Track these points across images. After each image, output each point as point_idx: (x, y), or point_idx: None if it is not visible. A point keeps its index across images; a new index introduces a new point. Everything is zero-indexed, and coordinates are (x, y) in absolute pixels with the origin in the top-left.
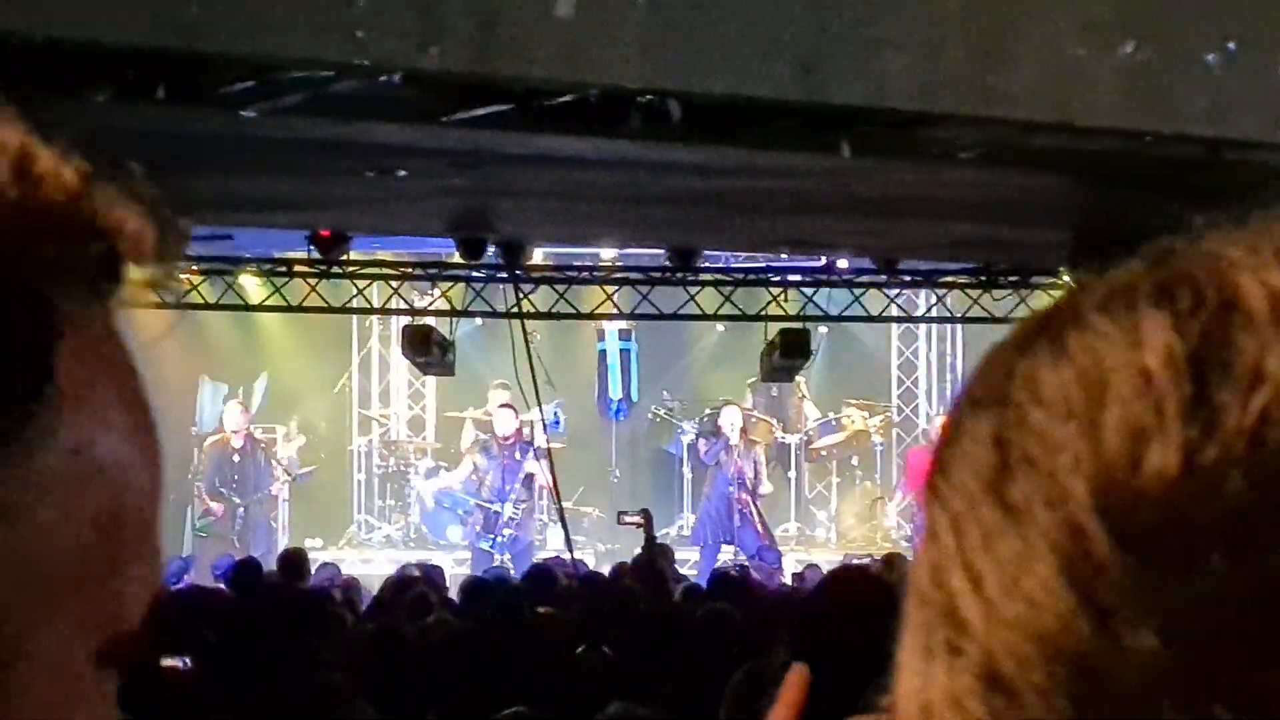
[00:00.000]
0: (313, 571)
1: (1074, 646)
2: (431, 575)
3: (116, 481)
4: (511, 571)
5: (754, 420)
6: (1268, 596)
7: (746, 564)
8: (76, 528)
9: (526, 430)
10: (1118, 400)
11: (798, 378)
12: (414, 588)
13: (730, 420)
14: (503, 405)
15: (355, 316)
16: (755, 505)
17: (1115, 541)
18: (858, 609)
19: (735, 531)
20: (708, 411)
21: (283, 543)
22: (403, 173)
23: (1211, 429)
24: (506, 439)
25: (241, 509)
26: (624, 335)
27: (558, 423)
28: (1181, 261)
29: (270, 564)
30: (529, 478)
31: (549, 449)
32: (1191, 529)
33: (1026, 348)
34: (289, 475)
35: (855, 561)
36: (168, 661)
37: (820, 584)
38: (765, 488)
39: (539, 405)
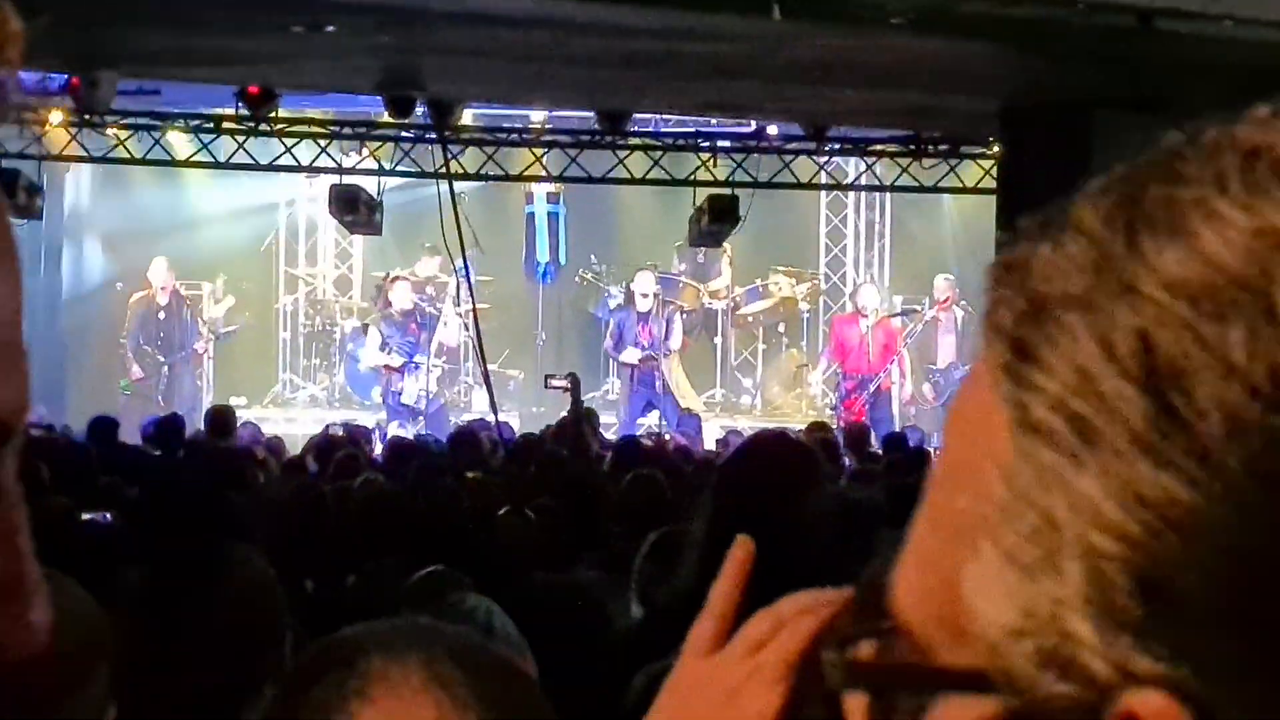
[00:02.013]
0: None
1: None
2: (357, 437)
3: None
4: (435, 433)
5: (680, 285)
6: None
7: (659, 430)
8: None
9: (452, 292)
10: None
11: (724, 243)
12: (341, 448)
13: (643, 286)
14: (431, 267)
15: (283, 175)
16: (669, 371)
17: None
18: (778, 474)
19: (657, 397)
20: (634, 276)
21: (207, 401)
22: (330, 28)
23: None
24: (431, 300)
25: (166, 367)
26: (552, 198)
27: (480, 283)
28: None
29: (195, 422)
30: (450, 342)
31: (475, 311)
32: None
33: (1130, 240)
34: (213, 333)
35: (777, 429)
36: (88, 516)
37: (740, 449)
38: (675, 343)
39: (465, 266)
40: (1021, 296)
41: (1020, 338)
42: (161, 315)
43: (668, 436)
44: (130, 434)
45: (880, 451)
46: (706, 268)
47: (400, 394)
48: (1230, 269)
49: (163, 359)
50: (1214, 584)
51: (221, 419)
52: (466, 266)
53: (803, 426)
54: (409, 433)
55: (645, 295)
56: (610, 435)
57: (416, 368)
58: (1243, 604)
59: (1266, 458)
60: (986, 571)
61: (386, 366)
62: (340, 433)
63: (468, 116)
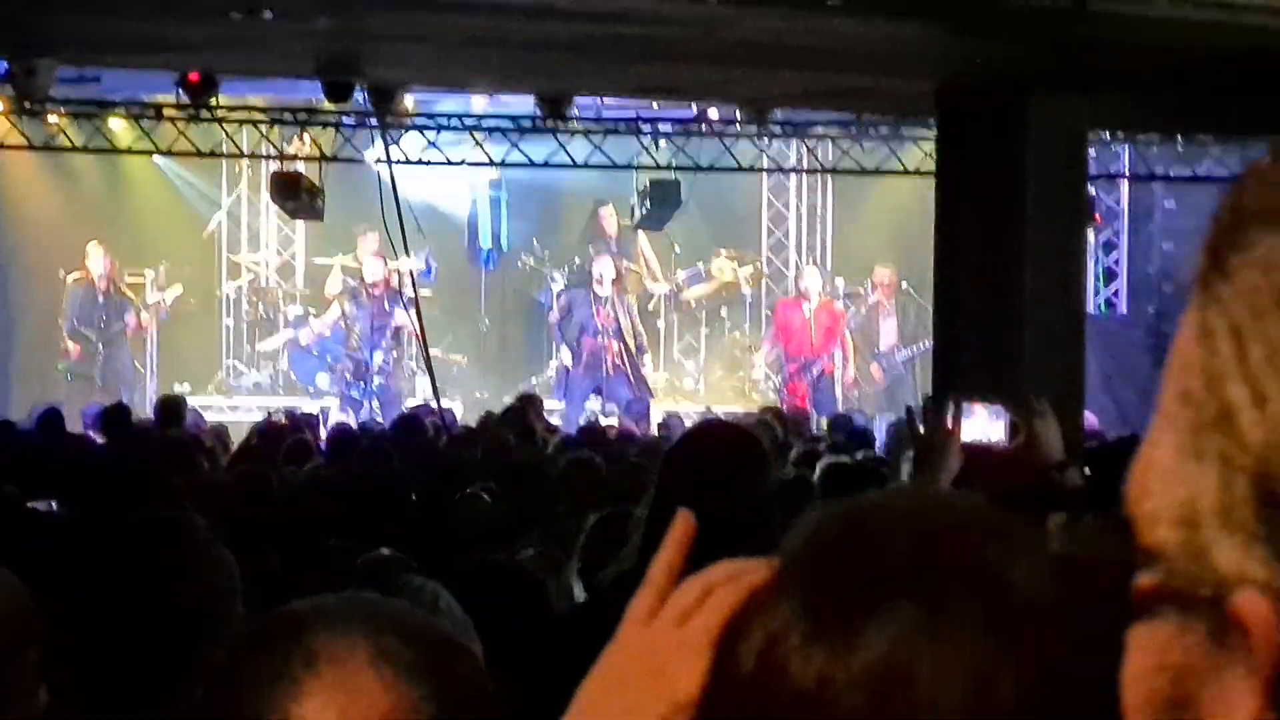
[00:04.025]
0: None
1: None
2: (302, 422)
3: None
4: (380, 419)
5: (626, 269)
6: None
7: (602, 415)
8: None
9: (395, 279)
10: None
11: (666, 227)
12: (285, 435)
13: (600, 270)
14: (373, 254)
15: (224, 161)
16: (627, 355)
17: None
18: (722, 461)
19: (606, 382)
20: (577, 260)
21: (150, 387)
22: (269, 13)
23: None
24: (374, 286)
25: (101, 344)
26: (494, 184)
27: (429, 271)
28: None
29: (137, 409)
30: (398, 327)
31: (416, 297)
32: None
33: None
34: (151, 316)
35: (721, 414)
36: (34, 504)
37: (686, 434)
38: (637, 326)
39: (407, 252)
40: (1228, 208)
41: (1217, 249)
42: (100, 299)
43: (615, 421)
44: (73, 419)
45: (818, 435)
46: (650, 253)
47: (350, 382)
48: None
49: (96, 339)
50: None
51: (171, 407)
52: (409, 253)
53: (745, 410)
54: (355, 419)
55: (603, 279)
56: (555, 420)
57: (367, 359)
58: None
59: None
60: (1164, 459)
61: (339, 351)
62: (283, 419)
63: (408, 102)
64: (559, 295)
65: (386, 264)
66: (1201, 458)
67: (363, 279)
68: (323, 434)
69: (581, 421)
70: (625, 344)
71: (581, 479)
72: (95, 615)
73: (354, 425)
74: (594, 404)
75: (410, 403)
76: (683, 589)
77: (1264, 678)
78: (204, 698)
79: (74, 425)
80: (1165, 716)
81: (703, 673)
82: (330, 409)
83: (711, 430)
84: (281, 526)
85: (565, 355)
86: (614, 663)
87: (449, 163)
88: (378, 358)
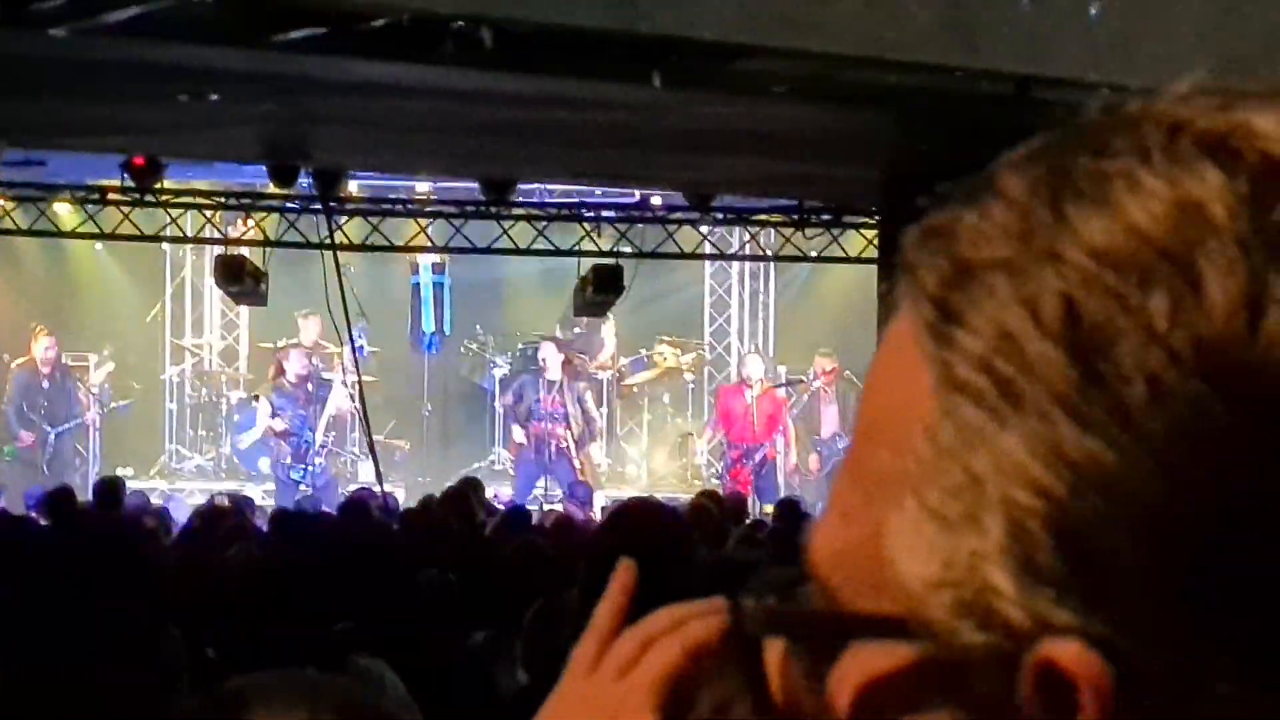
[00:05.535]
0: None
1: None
2: (242, 506)
3: None
4: (320, 502)
5: (568, 356)
6: None
7: (547, 501)
8: None
9: (328, 363)
10: (1214, 264)
11: (609, 314)
12: (226, 518)
13: (547, 355)
14: (292, 345)
15: (169, 245)
16: (573, 441)
17: (1228, 406)
18: (648, 541)
19: (549, 466)
20: (520, 346)
21: (93, 471)
22: (215, 97)
23: None
24: (300, 377)
25: (51, 436)
26: (437, 269)
27: (361, 349)
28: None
29: (80, 492)
30: (339, 412)
31: (360, 382)
32: None
33: (1055, 207)
34: (101, 406)
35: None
36: None
37: (609, 517)
38: (595, 416)
39: (350, 338)
40: (946, 260)
41: (944, 299)
42: (45, 384)
43: (558, 507)
44: (13, 502)
45: (760, 519)
46: (590, 338)
47: (289, 465)
48: (1154, 238)
49: (49, 428)
50: (1134, 542)
51: (110, 489)
52: (352, 338)
53: (689, 496)
54: (292, 502)
55: (551, 365)
56: (500, 506)
57: (307, 441)
58: (1162, 562)
59: (1187, 422)
60: (908, 525)
61: (276, 432)
62: (225, 502)
63: (352, 186)
64: (507, 381)
65: (309, 356)
66: (979, 513)
67: (310, 361)
68: (260, 517)
69: (532, 506)
70: (571, 430)
71: (527, 563)
72: (45, 693)
73: (293, 507)
74: (538, 489)
75: (353, 487)
76: (623, 639)
77: None
78: None
79: (13, 507)
80: None
81: None
82: (274, 494)
83: (634, 512)
84: (226, 607)
85: (519, 435)
86: (555, 714)
87: (392, 247)
88: (319, 438)
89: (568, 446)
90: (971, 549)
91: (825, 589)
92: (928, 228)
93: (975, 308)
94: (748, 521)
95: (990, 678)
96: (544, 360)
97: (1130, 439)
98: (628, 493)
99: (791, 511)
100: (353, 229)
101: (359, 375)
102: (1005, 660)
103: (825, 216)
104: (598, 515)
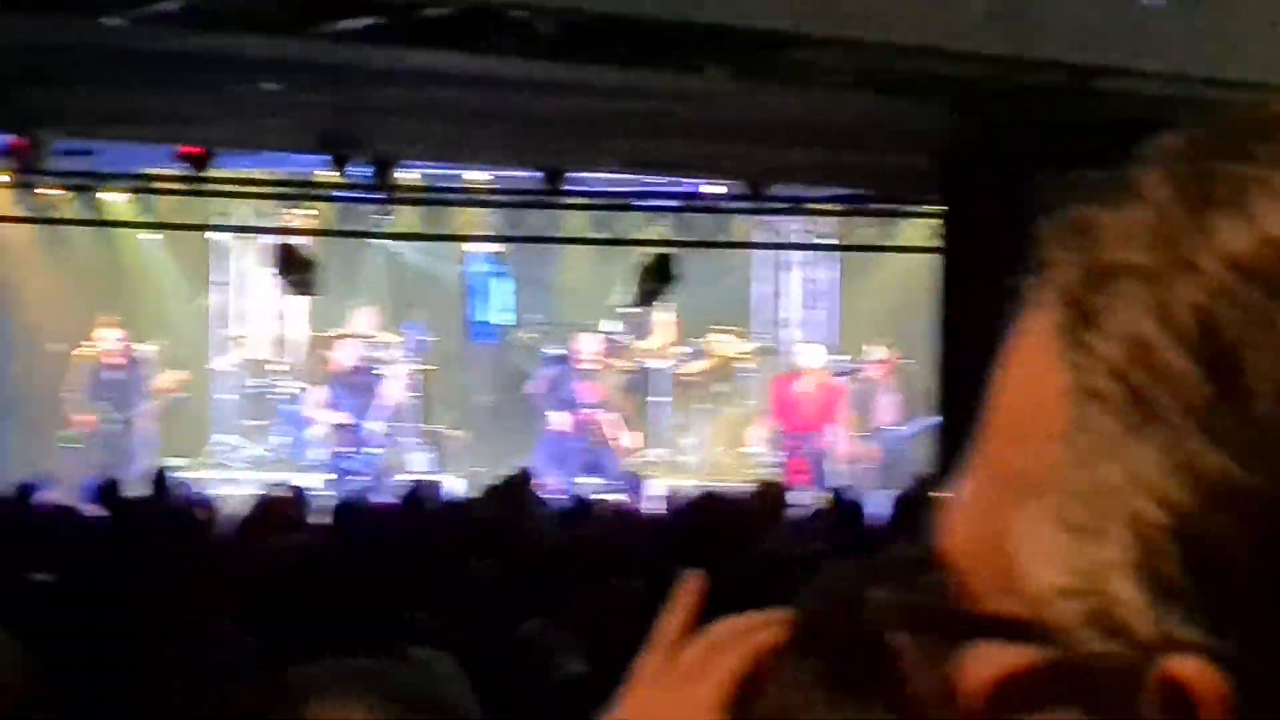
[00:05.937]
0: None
1: None
2: (296, 497)
3: None
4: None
5: (622, 345)
6: None
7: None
8: None
9: (382, 353)
10: None
11: (666, 302)
12: (284, 508)
13: (586, 347)
14: (345, 335)
15: (221, 235)
16: (612, 431)
17: None
18: (716, 532)
19: (595, 457)
20: (575, 336)
21: (145, 460)
22: (270, 86)
23: None
24: (356, 367)
25: (119, 424)
26: (492, 258)
27: (421, 344)
28: None
29: (135, 484)
30: (391, 402)
31: (420, 371)
32: None
33: (1195, 213)
34: (161, 395)
35: (720, 488)
36: (38, 576)
37: (679, 509)
38: (621, 412)
39: (409, 326)
40: (1084, 260)
41: (1080, 301)
42: (118, 375)
43: (608, 496)
44: (68, 493)
45: (819, 509)
46: (644, 327)
47: (342, 455)
48: None
49: (117, 415)
50: (1261, 560)
51: (164, 480)
52: (410, 328)
53: (746, 486)
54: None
55: (587, 355)
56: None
57: (360, 431)
58: None
59: None
60: (1037, 529)
61: (336, 425)
62: (281, 493)
63: (406, 175)
64: (542, 370)
65: (365, 344)
66: (1108, 523)
67: (341, 358)
68: (313, 509)
69: (571, 494)
70: (611, 418)
71: (587, 554)
72: (102, 685)
73: (350, 497)
74: (586, 479)
75: (405, 477)
76: (689, 649)
77: None
78: None
79: (69, 495)
80: None
81: None
82: (324, 482)
83: (705, 504)
84: (283, 597)
85: (559, 421)
86: None
87: (448, 236)
88: (371, 428)
89: (610, 437)
90: (1100, 559)
91: (955, 581)
92: (1067, 224)
93: (1111, 313)
94: (805, 511)
95: (1114, 686)
96: (582, 352)
97: (1262, 454)
98: (685, 483)
99: (848, 502)
100: (405, 217)
101: (417, 365)
102: (1130, 671)
103: (881, 206)
104: (648, 503)
